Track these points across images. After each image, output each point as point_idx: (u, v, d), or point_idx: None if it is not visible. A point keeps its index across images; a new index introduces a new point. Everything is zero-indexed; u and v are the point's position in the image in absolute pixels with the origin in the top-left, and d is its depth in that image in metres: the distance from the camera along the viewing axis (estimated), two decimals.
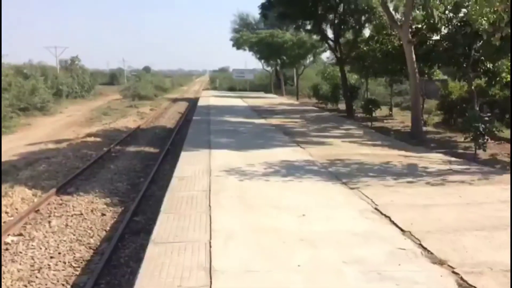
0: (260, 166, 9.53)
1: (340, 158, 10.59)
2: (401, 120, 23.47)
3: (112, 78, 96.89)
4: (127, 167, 14.80)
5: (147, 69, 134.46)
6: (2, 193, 11.04)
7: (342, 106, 30.84)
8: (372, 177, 8.60)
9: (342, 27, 22.92)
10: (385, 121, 22.20)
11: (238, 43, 45.70)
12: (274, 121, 19.12)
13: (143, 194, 11.68)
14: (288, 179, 8.44)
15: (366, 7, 19.40)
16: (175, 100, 49.38)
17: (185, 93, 67.49)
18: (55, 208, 10.63)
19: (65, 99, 51.22)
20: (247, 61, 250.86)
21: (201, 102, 30.73)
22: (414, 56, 15.65)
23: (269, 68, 52.06)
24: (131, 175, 13.99)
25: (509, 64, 14.76)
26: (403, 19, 16.35)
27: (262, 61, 47.33)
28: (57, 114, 37.85)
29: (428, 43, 19.31)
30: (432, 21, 19.10)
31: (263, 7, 23.38)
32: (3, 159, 15.36)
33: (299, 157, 10.64)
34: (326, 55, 41.83)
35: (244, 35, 45.41)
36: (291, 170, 9.24)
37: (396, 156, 11.04)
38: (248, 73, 52.24)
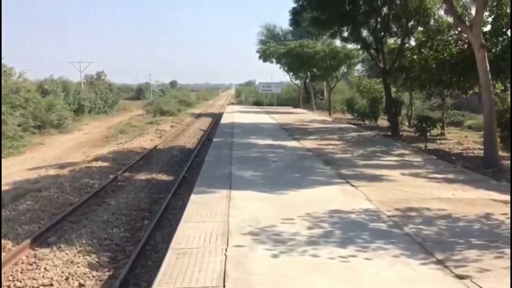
0: (302, 222, 6.51)
1: (413, 207, 7.45)
2: (457, 140, 20.08)
3: (139, 92, 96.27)
4: (130, 204, 12.01)
5: (173, 84, 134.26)
6: None
7: (381, 122, 27.63)
8: (484, 249, 5.45)
9: (386, 33, 19.75)
10: (438, 141, 18.84)
11: (265, 55, 42.94)
12: (309, 143, 16.06)
13: (143, 247, 8.84)
14: (348, 252, 5.39)
15: (418, 8, 16.19)
16: (198, 116, 47.00)
17: (210, 108, 65.27)
18: (21, 272, 7.86)
19: (87, 114, 49.70)
20: (273, 74, 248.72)
21: (224, 119, 27.92)
22: (487, 65, 12.41)
23: (297, 81, 49.14)
24: (133, 215, 11.19)
25: None
26: (471, 18, 13.20)
27: (291, 73, 44.38)
28: (74, 132, 35.85)
29: (495, 49, 16.09)
30: (499, 23, 15.95)
31: (294, 12, 20.48)
32: None
33: (355, 204, 7.56)
34: (357, 67, 38.71)
35: (271, 47, 42.66)
36: (348, 231, 6.17)
37: (492, 203, 7.81)
38: (275, 87, 49.33)
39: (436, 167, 11.78)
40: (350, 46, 27.82)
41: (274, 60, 43.65)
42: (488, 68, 12.41)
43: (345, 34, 21.83)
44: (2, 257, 8.21)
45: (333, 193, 8.50)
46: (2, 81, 29.48)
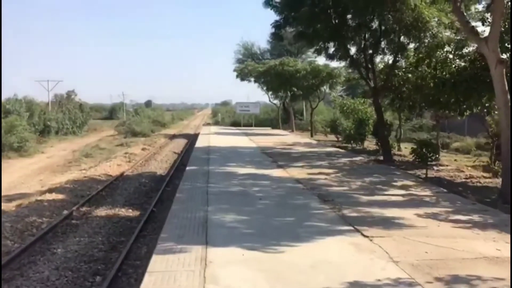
0: None
1: (458, 275, 5.41)
2: (454, 166, 18.38)
3: (112, 112, 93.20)
4: (81, 252, 9.65)
5: (148, 103, 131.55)
6: None
7: (367, 145, 25.92)
8: None
9: (376, 50, 18.08)
10: (435, 167, 17.06)
11: (242, 74, 41.23)
12: (297, 172, 14.01)
13: None
14: None
15: (414, 22, 14.51)
16: (173, 137, 44.58)
17: (185, 128, 62.89)
18: None
19: (54, 136, 46.67)
20: (250, 94, 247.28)
21: (199, 142, 25.67)
22: (506, 83, 10.68)
23: (276, 101, 47.44)
24: (82, 269, 8.83)
25: None
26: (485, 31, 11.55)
27: (270, 93, 42.64)
28: (36, 155, 32.85)
29: None
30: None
31: (276, 26, 18.67)
32: None
33: (378, 270, 5.47)
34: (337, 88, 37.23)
35: (249, 65, 40.97)
36: None
37: None
38: (253, 107, 47.47)
39: (452, 203, 9.86)
40: (335, 64, 26.24)
41: (252, 79, 41.96)
42: (507, 87, 10.67)
43: (331, 50, 20.17)
44: None
45: (343, 249, 6.39)
46: None
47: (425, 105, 19.74)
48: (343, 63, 21.67)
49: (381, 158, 19.22)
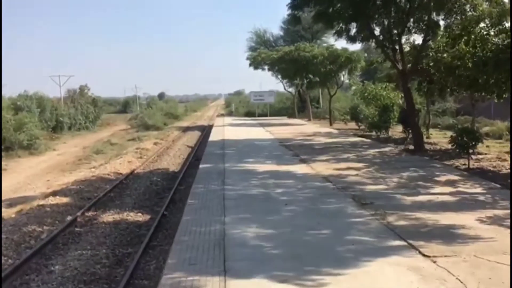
0: None
1: None
2: (493, 153, 16.67)
3: (125, 106, 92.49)
4: (81, 270, 8.35)
5: (161, 96, 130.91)
6: None
7: (392, 133, 24.22)
8: None
9: (404, 28, 16.34)
10: (473, 156, 15.38)
11: (255, 62, 39.58)
12: (323, 167, 12.50)
13: None
14: None
15: None
16: (186, 129, 43.33)
17: (199, 120, 61.66)
18: None
19: (67, 131, 45.85)
20: (263, 83, 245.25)
21: (213, 136, 24.25)
22: None
23: (291, 89, 45.74)
24: None
25: None
26: None
27: (285, 81, 40.95)
28: (47, 152, 31.85)
29: None
30: None
31: (292, 6, 17.03)
32: None
33: None
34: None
35: (262, 53, 39.31)
36: None
37: None
38: (267, 96, 45.84)
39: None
40: (355, 47, 24.48)
41: (265, 67, 40.34)
42: None
43: (353, 32, 18.48)
44: None
45: (403, 278, 4.89)
46: None
47: (458, 88, 17.99)
48: (364, 46, 19.82)
49: (412, 147, 17.62)
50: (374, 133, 24.24)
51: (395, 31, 16.34)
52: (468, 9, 13.41)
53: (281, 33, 50.79)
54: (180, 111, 73.77)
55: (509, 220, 7.08)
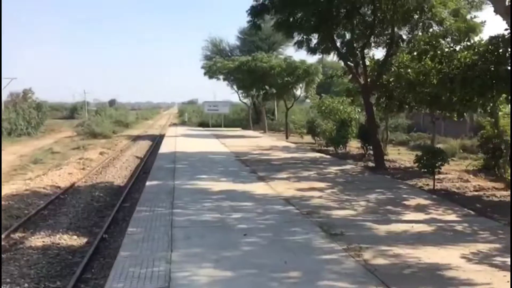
0: None
1: None
2: (454, 172, 16.28)
3: (73, 111, 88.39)
4: None
5: (112, 102, 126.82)
6: None
7: (349, 148, 23.69)
8: None
9: (368, 41, 15.74)
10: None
11: (211, 71, 38.42)
12: (283, 187, 11.44)
13: None
14: None
15: (418, 5, 12.17)
16: (136, 139, 41.24)
17: (150, 129, 59.36)
18: None
19: (6, 137, 42.50)
20: (217, 93, 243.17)
21: (164, 147, 22.71)
22: None
23: (246, 100, 44.81)
24: None
25: None
26: None
27: (240, 91, 39.95)
28: None
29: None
30: None
31: (253, 13, 16.04)
32: None
33: None
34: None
35: (218, 62, 38.20)
36: None
37: None
38: (222, 106, 44.64)
39: (494, 235, 7.53)
40: (312, 59, 23.82)
41: (221, 77, 39.26)
42: None
43: (314, 43, 17.75)
44: None
45: None
46: None
47: (418, 105, 17.65)
48: (319, 59, 19.11)
49: (372, 165, 17.01)
50: (331, 148, 23.65)
51: (358, 44, 15.69)
52: (434, 24, 12.87)
53: (238, 43, 49.97)
54: (130, 119, 70.99)
55: (499, 259, 6.24)
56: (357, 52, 15.62)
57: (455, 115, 17.09)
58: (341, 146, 22.72)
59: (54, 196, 15.34)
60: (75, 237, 10.97)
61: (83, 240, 10.80)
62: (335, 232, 7.30)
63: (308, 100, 52.69)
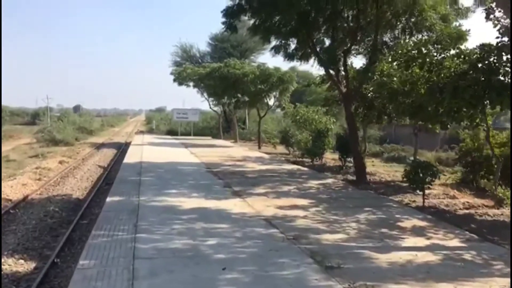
0: None
1: None
2: (438, 187, 15.51)
3: (35, 117, 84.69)
4: None
5: (76, 108, 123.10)
6: None
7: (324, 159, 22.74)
8: None
9: (351, 47, 14.83)
10: (419, 191, 13.98)
11: (180, 78, 36.95)
12: (262, 204, 10.24)
13: None
14: None
15: (407, 9, 11.30)
16: (100, 146, 39.23)
17: (116, 136, 57.11)
18: None
19: None
20: (186, 100, 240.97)
21: (129, 156, 21.11)
22: None
23: (216, 109, 43.47)
24: None
25: None
26: None
27: (211, 99, 38.63)
28: None
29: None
30: None
31: (228, 13, 14.87)
32: None
33: None
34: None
35: (188, 68, 36.81)
36: None
37: None
38: (191, 114, 43.14)
39: (507, 264, 6.55)
40: (285, 66, 22.83)
41: (191, 84, 37.83)
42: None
43: (292, 48, 16.79)
44: None
45: None
46: None
47: (400, 115, 16.89)
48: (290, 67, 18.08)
49: (351, 178, 16.06)
50: (307, 159, 22.66)
51: (340, 50, 14.76)
52: (423, 29, 12.04)
53: (209, 49, 48.68)
54: (95, 125, 68.27)
55: None
56: (340, 58, 14.64)
57: (438, 127, 16.46)
58: (317, 157, 21.74)
59: (3, 210, 13.67)
60: (22, 261, 9.46)
61: (31, 265, 9.31)
62: (331, 264, 6.13)
63: (278, 110, 51.93)
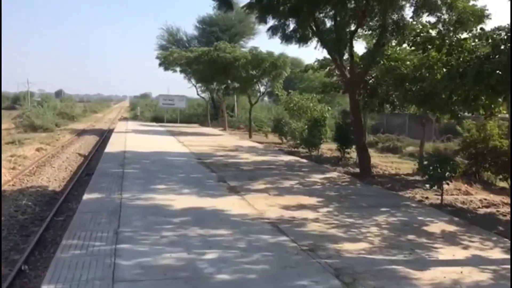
0: None
1: None
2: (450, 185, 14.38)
3: (15, 102, 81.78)
4: None
5: (58, 93, 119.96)
6: None
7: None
8: None
9: (358, 27, 13.47)
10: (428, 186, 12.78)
11: (166, 62, 35.18)
12: (264, 203, 8.91)
13: None
14: None
15: None
16: (81, 133, 37.41)
17: (98, 123, 55.08)
18: None
19: None
20: (171, 87, 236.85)
21: (112, 145, 19.54)
22: None
23: (204, 95, 41.85)
24: None
25: None
26: None
27: (198, 85, 36.98)
28: None
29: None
30: None
31: None
32: None
33: None
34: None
35: (174, 52, 35.02)
36: None
37: None
38: (178, 100, 41.40)
39: None
40: (291, 50, 21.37)
41: (177, 69, 36.11)
42: None
43: (291, 29, 15.38)
44: None
45: None
46: None
47: (408, 103, 15.70)
48: (304, 47, 16.63)
49: (351, 169, 14.89)
50: (302, 149, 21.42)
51: (346, 30, 13.38)
52: (442, 7, 10.71)
53: (196, 33, 46.77)
54: (77, 111, 65.92)
55: None
56: (346, 39, 13.27)
57: (446, 117, 15.33)
58: (313, 148, 20.44)
59: None
60: None
61: None
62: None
63: (266, 98, 50.38)
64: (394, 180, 13.98)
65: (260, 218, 7.81)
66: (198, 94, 40.70)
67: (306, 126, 21.15)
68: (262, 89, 31.13)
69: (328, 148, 21.98)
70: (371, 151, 28.04)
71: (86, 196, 8.88)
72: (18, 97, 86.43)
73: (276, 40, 15.72)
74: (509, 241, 7.31)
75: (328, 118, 22.48)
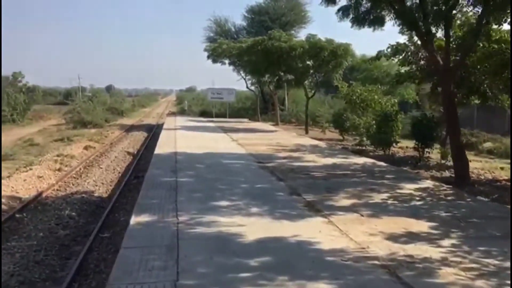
0: None
1: None
2: None
3: (67, 97, 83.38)
4: None
5: (109, 88, 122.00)
6: None
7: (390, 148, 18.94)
8: None
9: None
10: None
11: (215, 54, 33.45)
12: (359, 230, 6.74)
13: None
14: None
15: None
16: (130, 129, 36.54)
17: (147, 117, 54.51)
18: None
19: None
20: (216, 80, 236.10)
21: (162, 145, 17.87)
22: None
23: (253, 88, 39.89)
24: None
25: None
26: None
27: (248, 78, 35.04)
28: None
29: None
30: None
31: None
32: None
33: None
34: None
35: (223, 43, 33.23)
36: None
37: None
38: (227, 94, 39.61)
39: None
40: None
41: (226, 61, 34.36)
42: None
43: (364, 8, 13.06)
44: None
45: None
46: None
47: (501, 94, 13.22)
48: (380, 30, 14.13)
49: (438, 173, 12.44)
50: (367, 147, 19.10)
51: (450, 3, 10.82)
52: None
53: (244, 23, 44.79)
54: (126, 106, 65.78)
55: None
56: (442, 15, 10.74)
57: None
58: (384, 147, 17.97)
59: (6, 215, 10.80)
60: None
61: None
62: None
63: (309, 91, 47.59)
64: (495, 187, 11.52)
65: (365, 257, 5.65)
66: (247, 87, 38.79)
67: (374, 122, 18.77)
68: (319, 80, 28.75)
69: (399, 146, 19.44)
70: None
71: (133, 220, 7.00)
72: (70, 93, 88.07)
73: (328, 30, 13.42)
74: None
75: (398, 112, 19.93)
